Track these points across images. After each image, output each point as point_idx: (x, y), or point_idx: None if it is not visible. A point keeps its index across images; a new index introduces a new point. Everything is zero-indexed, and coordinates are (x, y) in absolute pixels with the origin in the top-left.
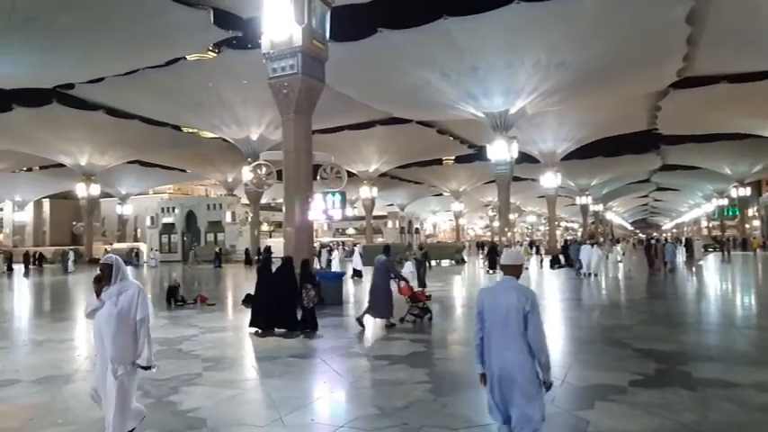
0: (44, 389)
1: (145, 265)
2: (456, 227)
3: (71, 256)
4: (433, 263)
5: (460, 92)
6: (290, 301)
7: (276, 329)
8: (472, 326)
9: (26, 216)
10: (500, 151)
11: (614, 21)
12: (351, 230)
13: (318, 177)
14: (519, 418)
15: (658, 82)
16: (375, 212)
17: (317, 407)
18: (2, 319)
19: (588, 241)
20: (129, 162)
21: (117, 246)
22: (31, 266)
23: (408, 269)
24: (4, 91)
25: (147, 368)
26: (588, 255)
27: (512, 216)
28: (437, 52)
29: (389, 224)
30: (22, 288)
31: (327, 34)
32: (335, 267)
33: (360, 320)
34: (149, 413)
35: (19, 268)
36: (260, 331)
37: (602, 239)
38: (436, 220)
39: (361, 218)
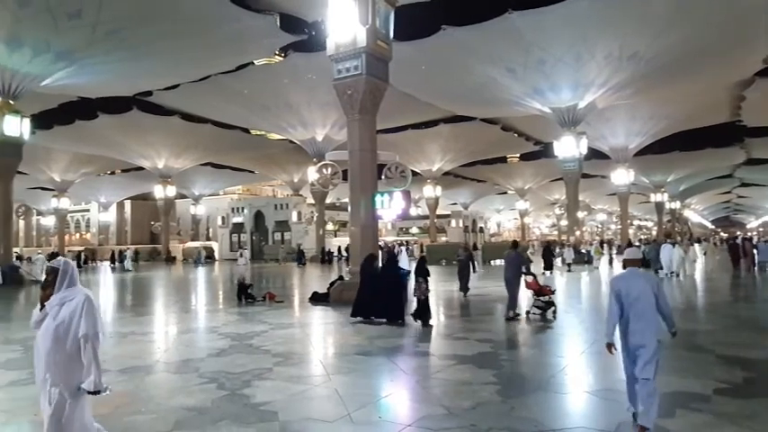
0: (128, 378)
1: (216, 263)
2: (521, 225)
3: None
4: (498, 262)
5: (526, 87)
6: (394, 293)
7: (376, 319)
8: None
9: (110, 216)
10: (568, 147)
11: (692, 8)
12: (414, 230)
13: (383, 177)
14: (641, 370)
15: (742, 70)
16: (439, 211)
17: (383, 405)
18: None
19: (668, 240)
20: (201, 164)
21: (190, 244)
22: (116, 263)
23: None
24: (89, 100)
25: (95, 393)
26: (669, 254)
27: (580, 214)
28: (502, 48)
29: (453, 223)
30: (106, 283)
31: (391, 34)
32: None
33: (515, 316)
34: (224, 405)
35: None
36: (362, 320)
37: (679, 238)
38: (500, 219)
39: (425, 217)
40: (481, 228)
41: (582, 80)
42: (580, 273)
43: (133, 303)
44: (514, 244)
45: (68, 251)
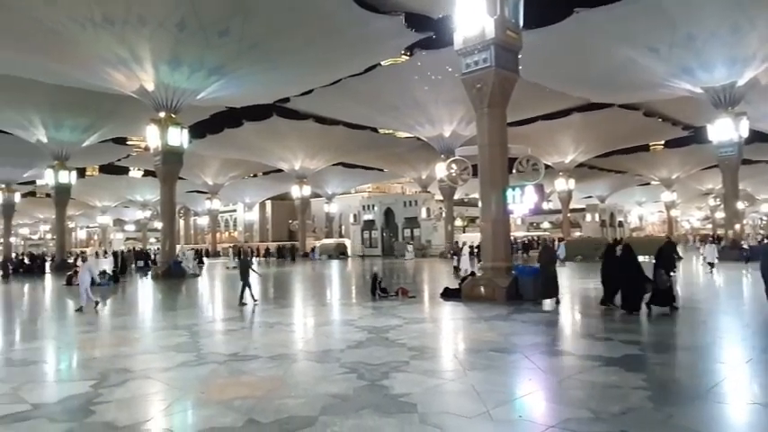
0: (278, 365)
1: (348, 259)
2: (667, 219)
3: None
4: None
5: (672, 67)
6: (634, 282)
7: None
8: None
9: (254, 215)
10: (724, 131)
11: None
12: (546, 224)
13: (514, 170)
14: None
15: None
16: (572, 205)
17: (523, 403)
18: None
19: None
20: (334, 164)
21: (325, 241)
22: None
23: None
24: (236, 109)
25: None
26: None
27: (740, 205)
28: (643, 26)
29: (588, 217)
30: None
31: (521, 23)
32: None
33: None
34: (365, 394)
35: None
36: (611, 306)
37: None
38: (642, 212)
39: (557, 211)
40: (620, 222)
41: (740, 54)
42: (739, 272)
43: (275, 296)
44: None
45: (220, 248)
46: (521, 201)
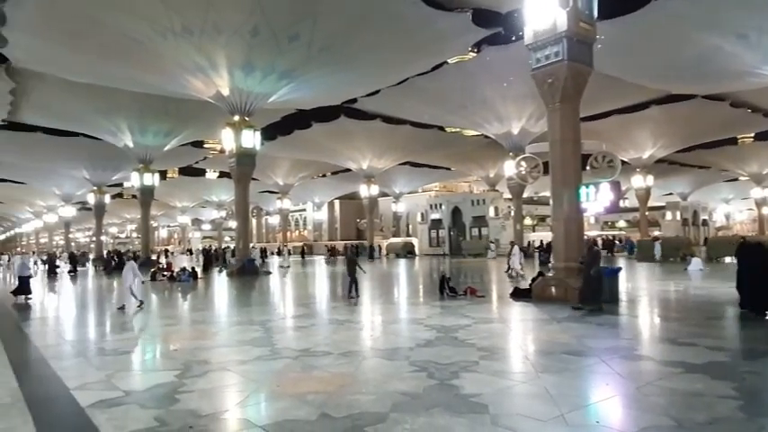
0: (349, 362)
1: (416, 258)
2: (758, 217)
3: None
4: (728, 259)
5: (762, 54)
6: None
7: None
8: None
9: (323, 215)
10: None
11: None
12: (621, 223)
13: (588, 167)
14: None
15: None
16: (650, 203)
17: (599, 409)
18: (309, 300)
19: None
20: (401, 164)
21: (392, 240)
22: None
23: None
24: (305, 111)
25: None
26: None
27: None
28: (730, 11)
29: (668, 215)
30: (320, 274)
31: (595, 13)
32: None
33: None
34: (435, 393)
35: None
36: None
37: None
38: (729, 210)
39: (634, 209)
40: (704, 220)
41: None
42: None
43: (344, 294)
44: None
45: (292, 246)
46: (595, 198)
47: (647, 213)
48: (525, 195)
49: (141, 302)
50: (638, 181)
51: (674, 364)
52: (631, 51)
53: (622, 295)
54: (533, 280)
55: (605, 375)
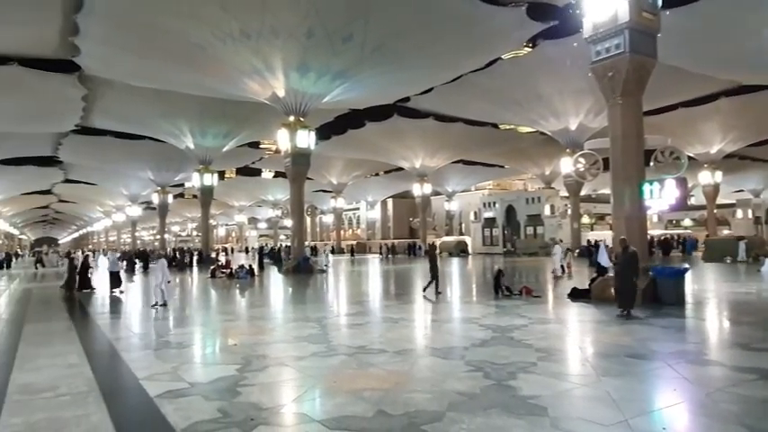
0: (403, 360)
1: (469, 257)
2: None
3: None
4: None
5: None
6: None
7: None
8: None
9: (376, 214)
10: None
11: None
12: (687, 221)
13: (651, 163)
14: None
15: None
16: (719, 200)
17: (666, 415)
18: (363, 298)
19: None
20: (453, 162)
21: (445, 238)
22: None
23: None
24: (358, 111)
25: None
26: None
27: None
28: None
29: (739, 213)
30: (372, 273)
31: (659, 2)
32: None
33: None
34: (492, 394)
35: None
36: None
37: None
38: None
39: (701, 207)
40: None
41: None
42: None
43: (397, 292)
44: None
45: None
46: (659, 196)
47: (715, 211)
48: (583, 193)
49: (165, 303)
50: (706, 177)
51: (747, 370)
52: (699, 41)
53: (688, 297)
54: (592, 280)
55: (672, 380)
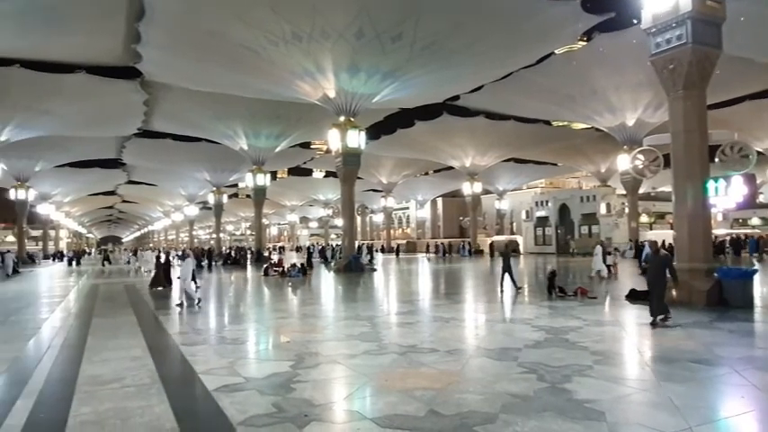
0: (455, 360)
1: (521, 257)
2: None
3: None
4: None
5: None
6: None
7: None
8: None
9: (425, 213)
10: None
11: None
12: (755, 220)
13: (716, 159)
14: None
15: None
16: None
17: (734, 424)
18: (413, 297)
19: None
20: (504, 160)
21: (496, 238)
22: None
23: None
24: (408, 110)
25: None
26: None
27: None
28: None
29: None
30: (422, 272)
31: None
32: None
33: None
34: (546, 397)
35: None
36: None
37: None
38: None
39: None
40: None
41: None
42: None
43: (447, 291)
44: None
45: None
46: (725, 193)
47: None
48: (641, 191)
49: (181, 304)
50: None
51: None
52: (766, 27)
53: (757, 300)
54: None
55: (740, 387)
